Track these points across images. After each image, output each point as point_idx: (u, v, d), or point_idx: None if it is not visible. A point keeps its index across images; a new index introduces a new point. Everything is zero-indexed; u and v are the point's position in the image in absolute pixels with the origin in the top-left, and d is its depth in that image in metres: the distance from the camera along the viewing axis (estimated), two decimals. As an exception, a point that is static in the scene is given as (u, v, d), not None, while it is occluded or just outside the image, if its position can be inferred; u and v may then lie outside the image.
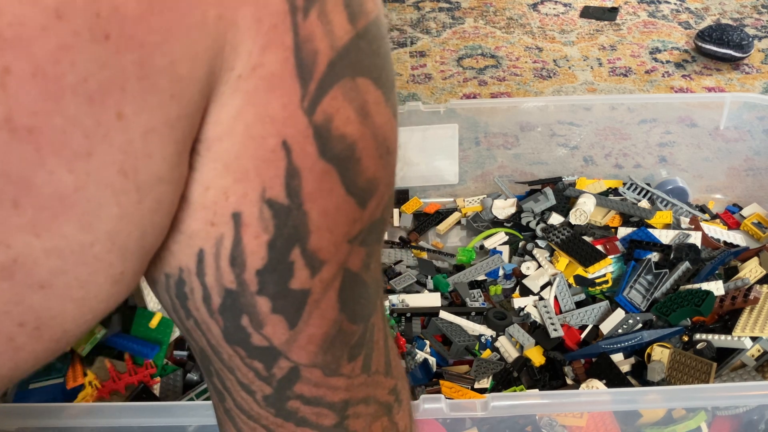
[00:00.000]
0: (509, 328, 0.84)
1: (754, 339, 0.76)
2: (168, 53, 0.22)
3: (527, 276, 0.93)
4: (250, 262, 0.27)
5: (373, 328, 0.33)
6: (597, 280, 0.90)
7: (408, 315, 0.86)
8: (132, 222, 0.24)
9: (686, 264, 0.89)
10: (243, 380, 0.31)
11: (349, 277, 0.29)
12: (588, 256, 0.91)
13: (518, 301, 0.89)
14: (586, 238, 0.95)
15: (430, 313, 0.87)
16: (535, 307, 0.88)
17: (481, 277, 0.93)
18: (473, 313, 0.87)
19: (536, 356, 0.80)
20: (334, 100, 0.26)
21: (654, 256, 0.92)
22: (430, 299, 0.89)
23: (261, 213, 0.26)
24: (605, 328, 0.83)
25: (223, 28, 0.23)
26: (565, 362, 0.80)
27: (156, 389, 0.75)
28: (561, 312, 0.88)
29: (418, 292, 0.91)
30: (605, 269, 0.91)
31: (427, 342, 0.83)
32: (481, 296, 0.90)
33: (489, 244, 0.99)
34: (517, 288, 0.92)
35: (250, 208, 0.26)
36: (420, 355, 0.80)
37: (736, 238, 0.97)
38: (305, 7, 0.24)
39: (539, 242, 0.96)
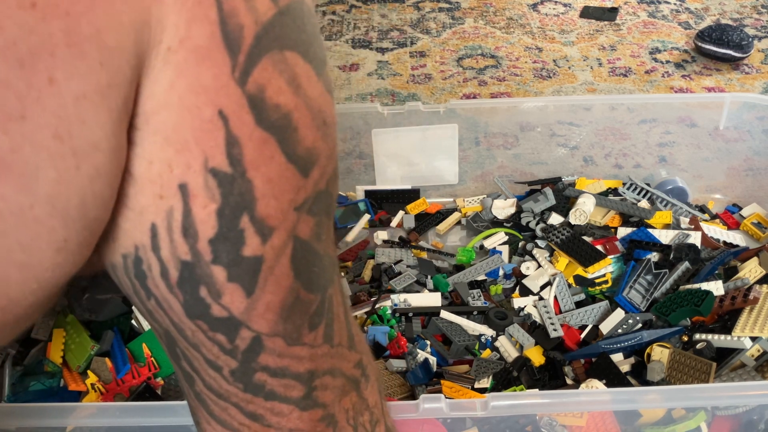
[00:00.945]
0: (509, 327, 0.84)
1: (753, 339, 0.76)
2: (93, 22, 0.23)
3: (527, 276, 0.93)
4: (202, 232, 0.28)
5: (331, 299, 0.33)
6: (597, 280, 0.90)
7: (410, 314, 0.86)
8: (70, 187, 0.25)
9: (686, 264, 0.89)
10: (209, 356, 0.31)
11: (300, 244, 0.30)
12: (588, 256, 0.91)
13: (518, 301, 0.89)
14: (585, 238, 0.95)
15: (431, 313, 0.87)
16: (535, 307, 0.88)
17: (481, 277, 0.93)
18: (475, 313, 0.87)
19: (536, 356, 0.80)
20: (265, 71, 0.27)
21: (654, 256, 0.92)
22: (430, 299, 0.89)
23: (206, 182, 0.27)
24: (605, 328, 0.83)
25: (147, 3, 0.24)
26: (565, 362, 0.80)
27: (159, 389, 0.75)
28: (561, 312, 0.88)
29: (417, 291, 0.91)
30: (605, 269, 0.91)
31: (428, 342, 0.83)
32: (481, 296, 0.90)
33: (489, 244, 0.99)
34: (517, 288, 0.92)
35: (195, 179, 0.27)
36: (421, 355, 0.80)
37: (736, 238, 0.97)
38: None
39: (539, 242, 0.96)
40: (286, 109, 0.28)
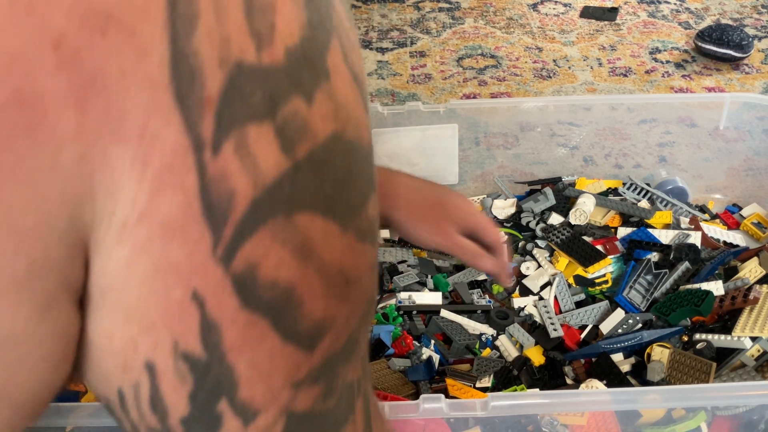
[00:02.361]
0: (510, 327, 0.84)
1: (753, 339, 0.76)
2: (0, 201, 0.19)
3: (527, 276, 0.93)
4: (172, 411, 0.24)
5: None
6: (597, 281, 0.90)
7: (413, 313, 0.86)
8: None
9: (686, 264, 0.89)
10: None
11: (296, 418, 0.25)
12: (588, 256, 0.91)
13: (518, 301, 0.89)
14: (585, 238, 0.95)
15: (433, 312, 0.87)
16: (535, 306, 0.88)
17: (482, 277, 0.94)
18: (478, 311, 0.88)
19: (536, 356, 0.80)
20: (260, 244, 0.22)
21: (654, 256, 0.92)
22: (431, 298, 0.89)
23: (176, 365, 0.23)
24: (605, 328, 0.83)
25: (88, 170, 0.19)
26: (565, 362, 0.80)
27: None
28: (561, 312, 0.88)
29: (418, 291, 0.91)
30: (605, 269, 0.91)
31: (432, 340, 0.83)
32: (482, 296, 0.90)
33: None
34: (517, 288, 0.92)
35: (163, 360, 0.22)
36: (425, 353, 0.80)
37: (736, 238, 0.97)
38: (215, 140, 0.20)
39: (539, 242, 0.96)
40: (286, 284, 0.23)
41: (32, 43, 0.18)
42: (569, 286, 0.91)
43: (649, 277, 0.88)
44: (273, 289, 0.22)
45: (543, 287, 0.91)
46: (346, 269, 0.25)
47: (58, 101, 0.18)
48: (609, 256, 0.91)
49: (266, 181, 0.21)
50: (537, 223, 0.99)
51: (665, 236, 0.94)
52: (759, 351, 0.76)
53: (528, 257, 0.96)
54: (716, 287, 0.83)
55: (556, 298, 0.89)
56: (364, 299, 0.26)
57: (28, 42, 0.18)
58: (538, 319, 0.86)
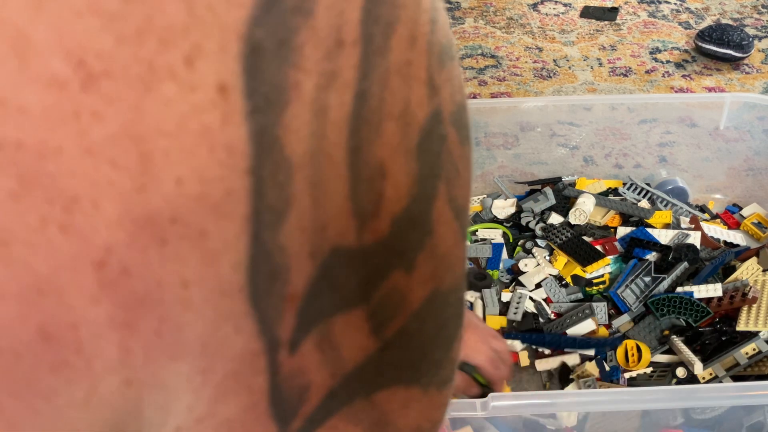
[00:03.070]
0: (486, 290, 0.86)
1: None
2: None
3: (524, 273, 0.93)
4: None
5: None
6: (594, 281, 0.91)
7: None
8: None
9: (684, 264, 0.88)
10: None
11: None
12: (586, 256, 0.91)
13: (506, 296, 0.90)
14: (585, 238, 0.95)
15: None
16: (532, 300, 0.89)
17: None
18: None
19: (495, 324, 0.85)
20: (332, 430, 0.20)
21: (653, 256, 0.92)
22: None
23: None
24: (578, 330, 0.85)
25: (133, 395, 0.16)
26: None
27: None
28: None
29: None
30: (603, 269, 0.91)
31: None
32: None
33: (481, 234, 1.00)
34: (513, 284, 0.93)
35: None
36: None
37: (737, 237, 0.97)
38: (294, 339, 0.17)
39: (539, 242, 0.97)
40: None
41: (66, 268, 0.14)
42: (567, 285, 0.91)
43: (647, 279, 0.88)
44: None
45: (538, 285, 0.92)
46: (423, 426, 0.22)
47: (97, 330, 0.15)
48: (608, 256, 0.91)
49: (347, 369, 0.19)
50: (537, 223, 0.99)
51: (664, 236, 0.94)
52: (755, 350, 0.76)
53: (529, 255, 0.96)
54: (714, 289, 0.83)
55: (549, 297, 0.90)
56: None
57: (61, 267, 0.14)
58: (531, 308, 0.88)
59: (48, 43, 0.13)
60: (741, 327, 0.77)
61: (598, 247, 0.92)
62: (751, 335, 0.76)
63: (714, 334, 0.79)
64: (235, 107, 0.14)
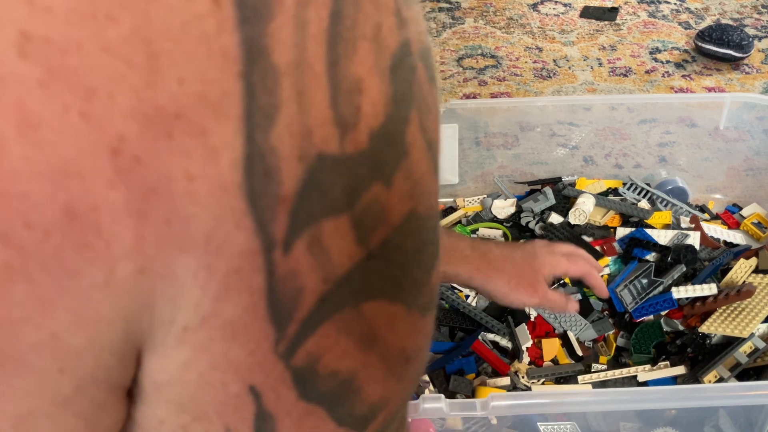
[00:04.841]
0: None
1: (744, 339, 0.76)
2: (43, 327, 0.17)
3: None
4: None
5: None
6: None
7: None
8: None
9: (682, 267, 0.88)
10: None
11: None
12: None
13: None
14: (585, 238, 0.95)
15: None
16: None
17: None
18: None
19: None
20: (324, 338, 0.21)
21: (653, 257, 0.91)
22: None
23: None
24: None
25: (147, 284, 0.18)
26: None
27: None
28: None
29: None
30: (603, 270, 0.91)
31: None
32: None
33: (481, 232, 1.00)
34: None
35: None
36: None
37: (737, 237, 0.97)
38: (287, 240, 0.18)
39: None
40: (347, 373, 0.22)
41: (87, 152, 0.16)
42: (564, 285, 0.91)
43: (645, 281, 0.88)
44: (333, 378, 0.22)
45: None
46: (408, 348, 0.24)
47: (114, 214, 0.16)
48: (607, 257, 0.91)
49: (337, 275, 0.20)
50: (537, 223, 0.99)
51: (663, 236, 0.93)
52: (751, 348, 0.76)
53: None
54: (710, 288, 0.83)
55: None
56: (420, 372, 0.26)
57: (82, 151, 0.16)
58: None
59: None
60: (703, 329, 0.78)
61: (597, 248, 0.92)
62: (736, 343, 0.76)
63: (698, 341, 0.79)
64: (227, 16, 0.16)
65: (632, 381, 0.79)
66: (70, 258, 0.16)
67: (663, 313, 0.85)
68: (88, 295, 0.17)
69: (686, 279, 0.89)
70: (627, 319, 0.85)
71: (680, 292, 0.84)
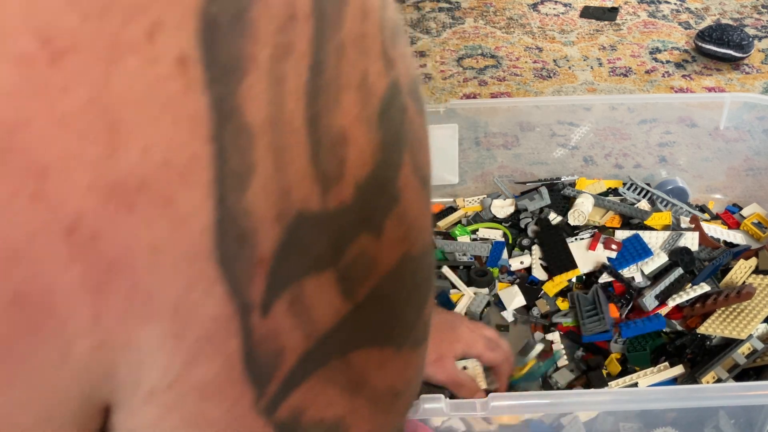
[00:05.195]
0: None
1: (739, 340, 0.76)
2: None
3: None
4: None
5: None
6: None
7: None
8: None
9: (679, 270, 0.87)
10: None
11: None
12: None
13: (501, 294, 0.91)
14: (582, 237, 0.95)
15: None
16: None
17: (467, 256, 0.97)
18: (461, 267, 0.93)
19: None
20: (310, 391, 0.20)
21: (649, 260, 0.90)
22: None
23: None
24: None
25: (107, 357, 0.17)
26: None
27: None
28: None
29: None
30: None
31: None
32: (471, 257, 0.94)
33: (482, 233, 1.00)
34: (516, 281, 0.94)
35: None
36: None
37: (737, 237, 0.97)
38: (265, 302, 0.18)
39: (536, 240, 0.97)
40: (334, 420, 0.21)
41: (38, 235, 0.15)
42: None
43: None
44: (319, 427, 0.21)
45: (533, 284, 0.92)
46: (398, 385, 0.23)
47: (70, 293, 0.15)
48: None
49: (321, 332, 0.19)
50: (536, 223, 0.99)
51: (655, 239, 0.92)
52: (750, 349, 0.76)
53: (524, 252, 0.96)
54: (701, 288, 0.84)
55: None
56: (410, 402, 0.25)
57: (34, 234, 0.15)
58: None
59: (16, 22, 0.14)
60: (701, 329, 0.78)
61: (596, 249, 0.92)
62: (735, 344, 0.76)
63: (697, 342, 0.79)
64: (195, 77, 0.15)
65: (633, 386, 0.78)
66: (20, 343, 0.15)
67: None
68: (42, 374, 0.16)
69: (686, 280, 0.88)
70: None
71: (675, 300, 0.84)
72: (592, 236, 0.93)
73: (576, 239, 0.94)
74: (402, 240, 0.20)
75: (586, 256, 0.91)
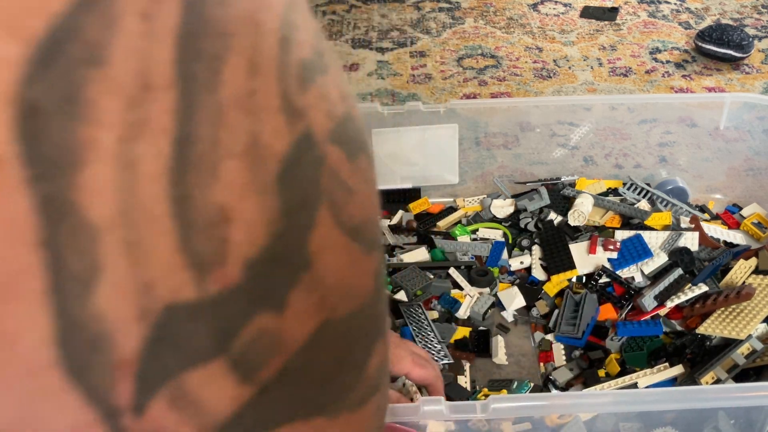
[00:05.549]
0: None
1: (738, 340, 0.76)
2: None
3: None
4: None
5: None
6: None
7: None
8: None
9: (679, 270, 0.88)
10: None
11: None
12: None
13: (502, 294, 0.91)
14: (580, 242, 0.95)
15: (421, 267, 0.93)
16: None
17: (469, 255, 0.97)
18: (462, 267, 0.93)
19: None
20: None
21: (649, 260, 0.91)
22: (419, 254, 0.96)
23: None
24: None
25: None
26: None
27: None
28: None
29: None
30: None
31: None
32: (472, 256, 0.95)
33: (482, 233, 1.01)
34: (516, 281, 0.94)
35: None
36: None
37: (737, 237, 0.97)
38: (137, 403, 0.16)
39: (537, 240, 0.97)
40: None
41: None
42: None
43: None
44: None
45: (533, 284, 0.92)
46: None
47: None
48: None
49: (218, 421, 0.17)
50: (535, 225, 0.99)
51: (656, 239, 0.92)
52: (749, 349, 0.76)
53: (525, 251, 0.96)
54: (699, 289, 0.84)
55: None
56: None
57: None
58: None
59: None
60: (701, 330, 0.78)
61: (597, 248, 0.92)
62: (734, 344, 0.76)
63: (696, 343, 0.79)
64: (12, 177, 0.13)
65: (632, 387, 0.78)
66: None
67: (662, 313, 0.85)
68: None
69: (685, 280, 0.88)
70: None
71: (674, 300, 0.84)
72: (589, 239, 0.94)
73: (576, 242, 0.94)
74: (316, 309, 0.18)
75: (585, 257, 0.91)
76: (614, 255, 0.90)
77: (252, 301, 0.16)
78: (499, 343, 0.85)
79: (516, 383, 0.79)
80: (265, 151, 0.16)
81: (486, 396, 0.75)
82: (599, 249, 0.91)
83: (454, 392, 0.76)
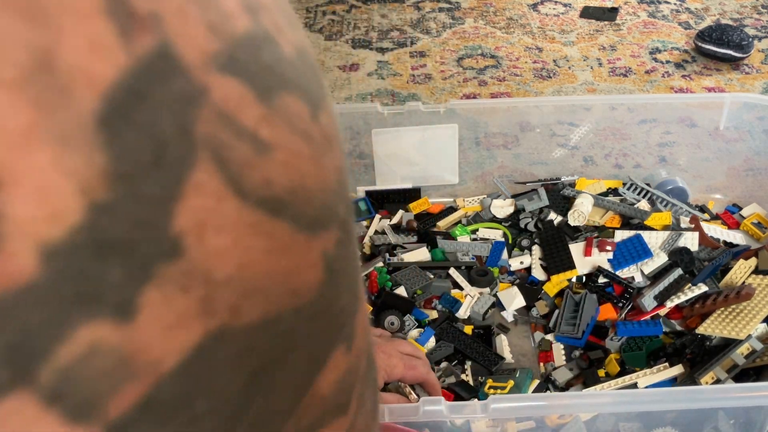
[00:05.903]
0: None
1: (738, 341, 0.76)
2: None
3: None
4: None
5: None
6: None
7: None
8: None
9: (679, 270, 0.88)
10: None
11: None
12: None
13: (502, 294, 0.91)
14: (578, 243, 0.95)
15: (424, 267, 0.94)
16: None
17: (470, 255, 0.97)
18: (463, 267, 0.93)
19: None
20: None
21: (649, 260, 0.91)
22: (419, 254, 0.96)
23: None
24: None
25: None
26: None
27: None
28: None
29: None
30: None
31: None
32: (472, 256, 0.95)
33: (482, 233, 1.01)
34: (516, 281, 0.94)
35: None
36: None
37: (736, 237, 0.97)
38: None
39: (537, 240, 0.97)
40: None
41: None
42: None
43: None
44: None
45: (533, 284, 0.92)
46: None
47: None
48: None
49: None
50: (535, 225, 0.99)
51: (656, 239, 0.92)
52: (749, 349, 0.76)
53: (525, 251, 0.96)
54: (698, 289, 0.84)
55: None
56: None
57: None
58: None
59: None
60: (700, 330, 0.78)
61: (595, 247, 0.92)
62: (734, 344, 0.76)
63: (696, 343, 0.79)
64: None
65: (632, 387, 0.78)
66: None
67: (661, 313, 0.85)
68: None
69: (685, 280, 0.88)
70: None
71: (674, 300, 0.84)
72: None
73: (576, 242, 0.94)
74: (198, 313, 0.13)
75: (585, 257, 0.91)
76: (610, 255, 0.90)
77: (67, 306, 0.11)
78: (503, 342, 0.85)
79: (519, 372, 0.79)
80: (69, 77, 0.11)
81: (491, 388, 0.76)
82: (594, 251, 0.91)
83: (459, 388, 0.77)
